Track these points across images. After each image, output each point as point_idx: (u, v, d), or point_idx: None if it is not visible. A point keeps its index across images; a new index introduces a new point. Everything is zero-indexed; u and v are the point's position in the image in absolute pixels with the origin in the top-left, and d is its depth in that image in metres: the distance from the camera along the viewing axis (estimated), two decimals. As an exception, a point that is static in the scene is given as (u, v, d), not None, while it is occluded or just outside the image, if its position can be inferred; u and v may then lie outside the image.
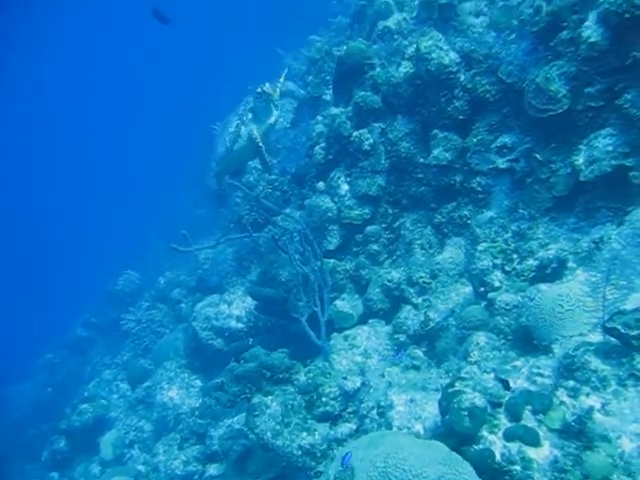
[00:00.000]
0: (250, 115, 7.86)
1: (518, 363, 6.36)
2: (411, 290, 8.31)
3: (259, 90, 8.11)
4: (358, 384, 7.36)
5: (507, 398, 5.69)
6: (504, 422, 5.49)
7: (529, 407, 5.46)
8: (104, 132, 46.55)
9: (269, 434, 7.04)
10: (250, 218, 11.73)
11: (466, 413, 5.42)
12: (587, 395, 5.23)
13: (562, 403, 5.34)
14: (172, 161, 26.57)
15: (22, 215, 41.80)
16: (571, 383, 5.41)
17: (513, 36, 7.68)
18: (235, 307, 10.96)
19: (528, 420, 5.40)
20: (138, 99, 45.98)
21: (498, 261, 7.57)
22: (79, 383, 15.98)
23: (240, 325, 10.74)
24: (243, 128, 7.85)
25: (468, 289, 7.90)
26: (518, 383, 6.04)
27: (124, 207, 31.41)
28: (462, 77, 8.12)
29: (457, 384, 5.89)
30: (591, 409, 5.06)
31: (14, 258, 36.31)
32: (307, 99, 11.49)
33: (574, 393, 5.32)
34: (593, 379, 5.28)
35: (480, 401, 5.57)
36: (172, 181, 24.33)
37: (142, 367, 13.35)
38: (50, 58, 45.97)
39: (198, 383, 11.45)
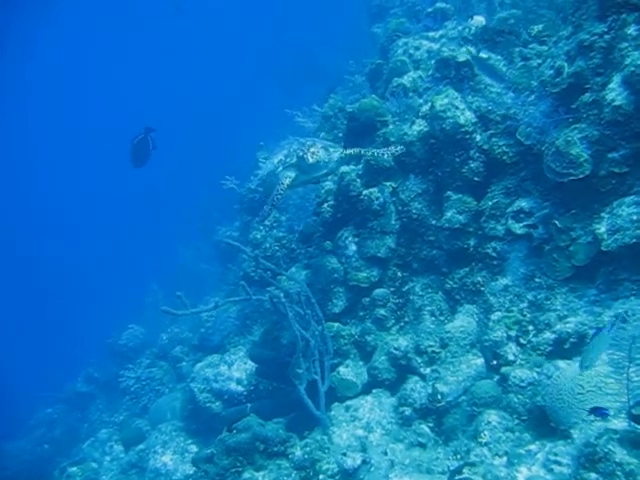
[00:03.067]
0: (293, 160, 7.34)
1: (533, 447, 5.85)
2: (419, 359, 7.83)
3: (301, 154, 7.49)
4: (358, 462, 6.78)
5: (521, 492, 5.14)
6: (517, 518, 4.94)
7: (545, 501, 4.90)
8: (110, 176, 46.65)
9: (259, 515, 6.49)
10: (256, 275, 11.35)
11: (475, 508, 4.88)
12: (612, 492, 4.68)
13: (583, 501, 4.79)
14: (178, 211, 26.48)
15: (23, 263, 41.62)
16: (593, 476, 4.85)
17: (532, 97, 7.40)
18: (236, 369, 10.49)
19: (544, 517, 4.84)
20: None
21: (513, 333, 7.11)
22: (76, 441, 15.43)
23: (240, 388, 10.25)
24: (281, 168, 7.43)
25: (480, 361, 7.40)
26: (533, 470, 5.51)
27: (125, 256, 31.16)
28: (478, 137, 7.82)
29: (465, 471, 5.36)
30: (617, 511, 4.51)
31: (16, 305, 36.00)
32: (319, 156, 11.20)
33: (597, 488, 4.77)
34: (618, 473, 4.71)
35: (491, 494, 5.03)
36: (177, 231, 24.18)
37: (137, 428, 12.78)
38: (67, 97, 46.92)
39: (194, 448, 10.87)
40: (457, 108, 7.83)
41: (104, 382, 17.37)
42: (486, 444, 6.16)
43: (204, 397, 10.66)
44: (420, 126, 8.32)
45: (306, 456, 6.94)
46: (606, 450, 4.86)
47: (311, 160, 7.00)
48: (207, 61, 42.64)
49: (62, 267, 38.45)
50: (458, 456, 6.42)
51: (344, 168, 9.05)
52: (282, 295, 7.90)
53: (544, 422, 5.98)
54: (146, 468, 11.18)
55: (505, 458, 5.85)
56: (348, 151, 7.57)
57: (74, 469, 11.97)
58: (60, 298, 34.26)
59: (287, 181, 7.27)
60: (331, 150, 7.34)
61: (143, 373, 14.64)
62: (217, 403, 10.57)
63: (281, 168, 7.43)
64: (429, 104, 8.20)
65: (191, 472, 9.95)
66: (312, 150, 7.05)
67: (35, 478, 14.78)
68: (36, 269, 39.63)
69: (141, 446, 12.02)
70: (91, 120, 50.86)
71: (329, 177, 8.87)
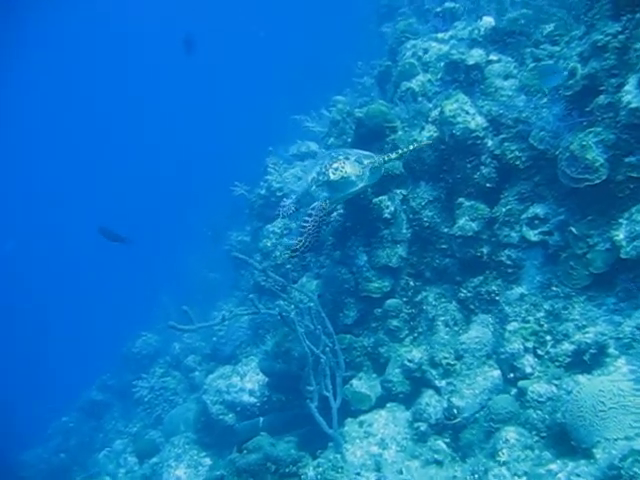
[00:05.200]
0: (325, 178, 6.99)
1: (554, 467, 5.64)
2: (434, 372, 7.62)
3: (324, 171, 7.14)
4: (372, 481, 6.62)
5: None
6: None
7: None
8: (118, 182, 46.58)
9: (271, 541, 6.32)
10: (267, 284, 11.20)
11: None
12: (638, 519, 4.46)
13: (607, 526, 4.57)
14: (186, 221, 26.41)
15: (32, 270, 41.71)
16: (618, 500, 4.65)
17: (545, 100, 7.17)
18: (248, 380, 10.37)
19: None
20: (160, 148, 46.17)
21: (530, 344, 6.88)
22: (91, 450, 15.43)
23: (253, 399, 10.12)
24: (314, 187, 7.13)
25: (496, 373, 7.19)
26: (554, 492, 5.29)
27: (136, 266, 31.11)
28: (490, 143, 7.59)
29: (483, 496, 5.16)
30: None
31: (28, 314, 36.09)
32: (327, 162, 11.01)
33: (622, 515, 4.56)
34: (644, 496, 4.52)
35: (510, 521, 4.82)
36: (186, 241, 24.11)
37: (151, 440, 12.70)
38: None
39: (207, 461, 10.78)
40: (467, 113, 7.62)
41: (119, 390, 17.39)
42: (505, 463, 5.96)
43: (217, 409, 10.54)
44: (430, 132, 8.10)
45: (319, 477, 6.75)
46: (632, 473, 4.66)
47: (333, 177, 6.69)
48: (212, 64, 42.48)
49: (75, 276, 38.56)
50: (476, 476, 6.22)
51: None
52: (292, 309, 7.73)
53: (564, 439, 5.76)
54: (160, 482, 11.08)
55: (525, 478, 5.65)
56: (379, 159, 7.11)
57: (87, 484, 11.90)
58: (74, 307, 34.33)
59: (325, 204, 6.95)
60: (365, 162, 6.93)
61: (157, 383, 14.57)
62: (230, 415, 10.46)
63: (314, 187, 7.11)
64: (438, 109, 7.98)
65: (205, 486, 9.87)
66: (335, 166, 6.72)
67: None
68: (50, 278, 39.79)
69: (155, 459, 11.93)
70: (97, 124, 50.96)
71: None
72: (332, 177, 6.67)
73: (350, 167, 6.76)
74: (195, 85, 44.27)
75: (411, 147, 7.29)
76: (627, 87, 6.07)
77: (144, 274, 27.88)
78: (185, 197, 30.30)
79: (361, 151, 7.40)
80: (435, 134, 8.02)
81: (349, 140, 10.11)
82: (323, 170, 6.89)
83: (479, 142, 7.58)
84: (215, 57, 42.24)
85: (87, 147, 50.96)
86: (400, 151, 7.29)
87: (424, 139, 8.07)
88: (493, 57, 8.04)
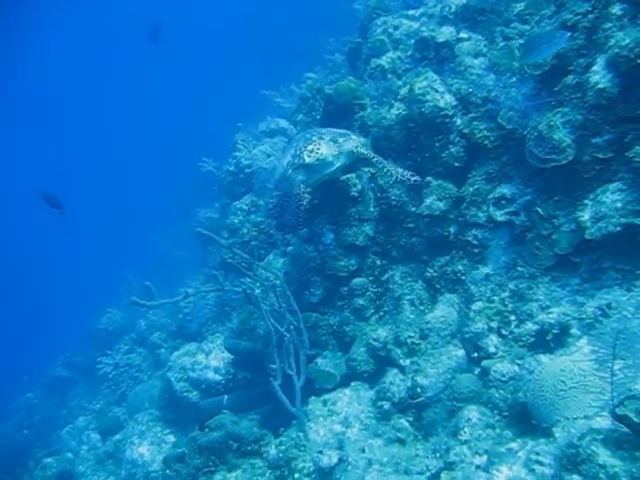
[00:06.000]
0: (300, 160, 6.79)
1: (514, 445, 5.66)
2: (398, 351, 7.61)
3: (299, 153, 6.94)
4: (335, 460, 6.58)
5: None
6: (497, 530, 4.73)
7: (527, 512, 4.67)
8: (80, 163, 45.81)
9: (230, 520, 6.28)
10: (234, 262, 11.09)
11: (452, 518, 4.67)
12: (595, 498, 4.48)
13: (566, 507, 4.59)
14: (150, 198, 26.08)
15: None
16: (575, 479, 4.66)
17: (514, 79, 7.12)
18: (213, 357, 10.26)
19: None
20: (121, 124, 45.48)
21: (494, 324, 6.90)
22: (55, 427, 15.26)
23: (218, 377, 10.02)
24: (290, 171, 6.94)
25: (460, 352, 7.21)
26: (514, 470, 5.32)
27: (100, 244, 30.72)
28: (458, 121, 7.55)
29: (443, 476, 5.16)
30: (601, 518, 4.31)
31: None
32: (296, 139, 10.88)
33: (579, 493, 4.58)
34: (601, 475, 4.51)
35: (470, 502, 4.82)
36: (151, 218, 23.83)
37: (114, 417, 12.63)
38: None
39: (171, 438, 10.67)
40: (437, 91, 7.53)
41: (84, 367, 17.28)
42: (466, 442, 5.97)
43: (181, 386, 10.43)
44: (399, 110, 8.00)
45: (281, 454, 6.72)
46: (589, 451, 4.66)
47: (308, 160, 6.55)
48: (183, 40, 41.80)
49: (37, 253, 38.03)
50: (437, 454, 6.23)
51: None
52: (257, 286, 7.64)
53: (526, 419, 5.79)
54: (123, 459, 10.98)
55: (485, 457, 5.66)
56: (362, 150, 7.00)
57: (49, 460, 11.72)
58: (37, 284, 33.90)
59: (302, 189, 6.80)
60: (341, 140, 6.79)
61: (121, 360, 14.47)
62: (194, 393, 10.35)
63: (290, 171, 6.95)
64: (408, 87, 7.88)
65: (167, 464, 9.77)
66: (309, 148, 6.58)
67: (14, 464, 14.61)
68: (10, 255, 39.17)
69: (118, 436, 11.84)
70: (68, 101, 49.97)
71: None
72: (307, 160, 6.54)
73: (325, 147, 6.64)
74: (164, 59, 43.52)
75: (385, 168, 7.13)
76: (595, 67, 6.05)
77: (110, 250, 27.58)
78: (152, 173, 29.92)
79: (335, 129, 7.28)
80: (404, 112, 7.94)
81: (318, 117, 10.01)
82: (298, 153, 6.75)
83: (448, 121, 7.52)
84: (187, 33, 41.64)
85: (55, 120, 50.12)
86: (375, 159, 7.16)
87: (393, 117, 8.00)
88: (463, 35, 7.97)
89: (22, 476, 11.73)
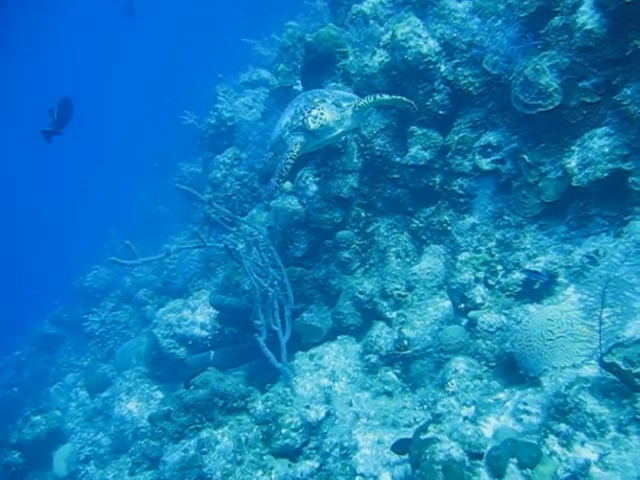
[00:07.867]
0: (300, 123, 6.25)
1: (502, 396, 5.65)
2: (385, 304, 7.57)
3: (302, 118, 6.37)
4: (322, 414, 6.56)
5: (489, 448, 4.89)
6: (485, 479, 4.69)
7: (514, 460, 4.63)
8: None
9: (218, 474, 6.24)
10: (217, 217, 10.94)
11: (440, 468, 4.62)
12: (582, 444, 4.46)
13: (553, 454, 4.56)
14: (131, 149, 25.69)
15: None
16: (563, 427, 4.65)
17: (499, 22, 6.89)
18: (199, 313, 10.17)
19: (513, 476, 4.59)
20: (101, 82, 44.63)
21: (481, 274, 6.83)
22: (44, 384, 15.24)
23: (204, 333, 9.96)
24: (287, 133, 6.45)
25: (447, 304, 7.17)
26: (501, 420, 5.30)
27: (82, 200, 30.39)
28: (442, 68, 7.35)
29: (431, 428, 5.12)
30: (587, 463, 4.29)
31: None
32: (277, 89, 10.60)
33: (567, 441, 4.55)
34: (589, 424, 4.50)
35: (457, 452, 4.79)
36: (131, 173, 23.50)
37: (102, 374, 12.58)
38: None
39: (159, 395, 10.64)
40: (419, 36, 7.30)
41: (71, 324, 17.17)
42: (453, 393, 5.94)
43: (168, 343, 10.36)
44: (381, 57, 7.77)
45: (268, 410, 6.69)
46: (577, 400, 4.64)
47: (312, 126, 6.08)
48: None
49: (22, 212, 37.67)
50: (425, 406, 6.21)
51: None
52: (241, 241, 7.50)
53: (513, 369, 5.77)
54: (111, 415, 10.96)
55: (473, 408, 5.63)
56: (361, 102, 6.16)
57: (38, 417, 11.66)
58: (23, 242, 33.66)
59: (297, 148, 6.31)
60: (344, 105, 6.15)
61: (107, 317, 14.40)
62: (182, 349, 10.30)
63: (288, 132, 6.41)
64: (390, 33, 7.63)
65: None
66: (314, 113, 6.01)
67: (4, 421, 14.63)
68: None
69: (106, 393, 11.81)
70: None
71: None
72: (312, 126, 6.03)
73: (329, 113, 6.14)
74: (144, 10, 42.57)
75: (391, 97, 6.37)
76: (582, 7, 5.87)
77: (95, 207, 27.34)
78: (134, 128, 29.45)
79: (340, 92, 6.83)
80: (386, 59, 7.71)
81: (299, 67, 9.75)
82: (299, 117, 6.30)
83: (432, 67, 7.31)
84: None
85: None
86: (377, 98, 6.48)
87: (375, 65, 7.76)
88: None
89: (12, 433, 11.65)
